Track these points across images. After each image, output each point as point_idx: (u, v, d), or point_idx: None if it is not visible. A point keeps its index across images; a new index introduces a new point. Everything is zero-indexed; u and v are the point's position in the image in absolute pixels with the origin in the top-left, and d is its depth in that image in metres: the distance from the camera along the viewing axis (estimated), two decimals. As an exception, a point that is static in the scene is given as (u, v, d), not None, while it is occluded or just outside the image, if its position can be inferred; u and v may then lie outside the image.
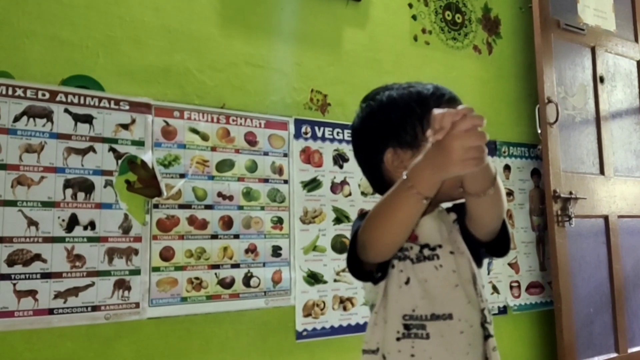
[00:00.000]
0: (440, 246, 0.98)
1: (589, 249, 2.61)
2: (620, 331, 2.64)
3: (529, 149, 2.73)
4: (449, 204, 1.06)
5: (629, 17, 3.06)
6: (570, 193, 2.51)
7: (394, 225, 0.88)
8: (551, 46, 2.60)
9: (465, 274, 0.98)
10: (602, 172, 2.73)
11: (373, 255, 0.93)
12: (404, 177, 0.84)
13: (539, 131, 2.54)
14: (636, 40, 3.06)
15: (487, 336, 0.97)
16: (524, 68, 2.76)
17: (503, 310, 2.52)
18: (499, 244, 1.00)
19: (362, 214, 1.04)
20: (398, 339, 0.94)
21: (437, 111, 0.77)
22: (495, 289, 2.50)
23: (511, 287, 2.57)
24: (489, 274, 2.49)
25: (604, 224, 2.69)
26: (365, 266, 0.97)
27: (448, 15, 2.56)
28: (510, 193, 2.64)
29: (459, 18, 2.60)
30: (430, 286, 0.95)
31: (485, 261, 2.49)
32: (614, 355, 2.60)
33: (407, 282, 0.96)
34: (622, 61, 2.98)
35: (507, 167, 2.65)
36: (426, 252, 0.97)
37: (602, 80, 2.81)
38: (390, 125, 1.01)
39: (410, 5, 2.44)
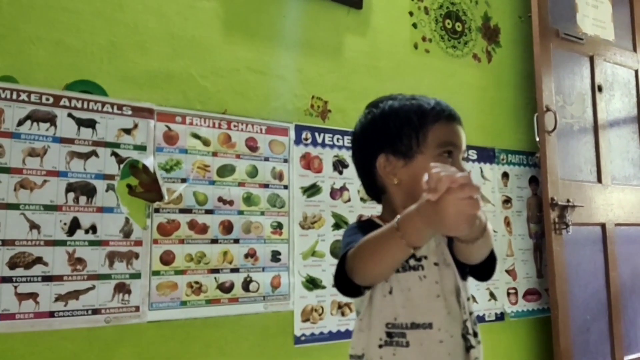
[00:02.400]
0: (425, 257, 1.00)
1: (586, 257, 2.63)
2: (617, 338, 2.65)
3: (527, 157, 2.75)
4: None
5: (628, 27, 3.09)
6: (568, 201, 2.52)
7: (381, 264, 0.90)
8: (550, 55, 2.62)
9: (449, 285, 1.00)
10: (599, 180, 2.75)
11: (360, 281, 0.95)
12: (395, 224, 0.84)
13: (537, 139, 2.56)
14: (634, 50, 3.09)
15: (468, 347, 0.98)
16: (523, 76, 2.79)
17: (500, 317, 2.54)
18: (483, 269, 1.02)
19: (357, 225, 1.06)
20: (380, 346, 0.97)
21: (434, 169, 0.77)
22: (492, 296, 2.52)
23: (508, 294, 2.58)
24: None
25: (601, 232, 2.70)
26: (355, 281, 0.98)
27: (448, 23, 2.59)
28: (508, 200, 2.65)
29: (459, 26, 2.62)
30: (413, 295, 0.97)
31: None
32: (610, 362, 2.62)
33: (390, 292, 0.98)
34: (620, 70, 3.00)
35: (505, 175, 2.67)
36: (412, 262, 0.99)
37: (600, 89, 2.83)
38: (387, 132, 1.05)
39: (411, 14, 2.47)
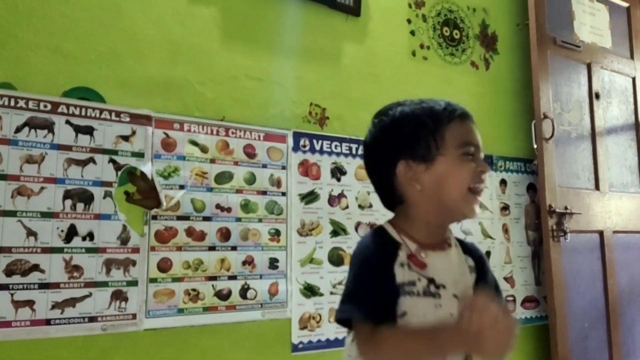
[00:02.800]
0: (444, 286, 0.99)
1: (584, 264, 2.63)
2: (615, 346, 2.65)
3: (525, 164, 2.75)
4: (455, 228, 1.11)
5: (625, 35, 3.10)
6: (566, 208, 2.53)
7: None
8: (547, 62, 2.63)
9: None
10: (597, 187, 2.75)
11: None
12: (437, 334, 0.89)
13: (535, 146, 2.56)
14: (632, 57, 3.10)
15: None
16: (520, 84, 2.79)
17: (498, 324, 2.53)
18: None
19: (373, 250, 1.01)
20: None
21: (478, 300, 0.85)
22: (490, 303, 2.51)
23: (507, 302, 2.57)
24: (484, 287, 2.50)
25: (599, 239, 2.70)
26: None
27: (446, 31, 2.59)
28: (506, 207, 2.66)
29: (456, 34, 2.63)
30: (428, 322, 0.96)
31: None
32: (609, 370, 2.61)
33: (403, 315, 0.96)
34: (617, 78, 3.01)
35: (503, 182, 2.67)
36: (432, 288, 0.98)
37: (597, 96, 2.84)
38: (403, 137, 1.02)
39: (409, 21, 2.47)
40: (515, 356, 2.53)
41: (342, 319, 0.98)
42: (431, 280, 0.98)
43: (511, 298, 2.60)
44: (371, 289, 0.95)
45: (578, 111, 2.77)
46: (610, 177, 2.83)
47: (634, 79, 3.07)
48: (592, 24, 2.92)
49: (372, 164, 1.11)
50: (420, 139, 1.01)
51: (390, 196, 1.07)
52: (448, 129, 1.01)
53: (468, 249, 1.10)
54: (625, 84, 3.04)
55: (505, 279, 2.60)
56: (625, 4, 3.12)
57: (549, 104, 2.59)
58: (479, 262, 1.10)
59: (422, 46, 2.49)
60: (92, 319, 1.61)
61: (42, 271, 1.57)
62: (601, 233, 2.71)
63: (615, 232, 2.76)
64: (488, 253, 2.54)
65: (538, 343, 2.63)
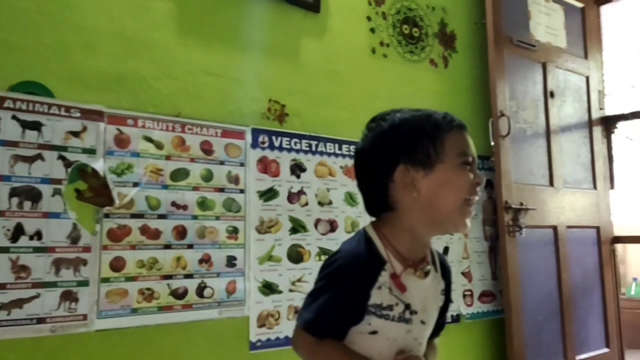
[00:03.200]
0: (416, 312, 1.03)
1: (539, 259, 2.70)
2: (569, 338, 2.72)
3: (482, 161, 2.80)
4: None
5: (580, 34, 3.19)
6: (521, 204, 2.58)
7: None
8: (504, 61, 2.68)
9: (424, 343, 1.07)
10: (551, 183, 2.82)
11: None
12: None
13: (492, 143, 2.61)
14: (586, 57, 3.18)
15: None
16: (478, 82, 2.84)
17: (456, 319, 2.57)
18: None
19: (354, 261, 1.01)
20: None
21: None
22: (448, 298, 2.55)
23: (464, 296, 2.62)
24: (442, 283, 2.54)
25: (553, 234, 2.78)
26: None
27: (405, 29, 2.61)
28: (464, 204, 2.69)
29: (416, 32, 2.65)
30: (397, 345, 1.00)
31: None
32: (562, 362, 2.69)
33: (374, 333, 1.00)
34: (572, 77, 3.09)
35: (461, 178, 2.70)
36: (407, 314, 1.02)
37: (552, 95, 2.91)
38: (402, 142, 1.02)
39: (369, 18, 2.48)
40: (472, 350, 2.59)
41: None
42: (407, 306, 1.01)
43: (468, 292, 2.64)
44: (334, 308, 0.99)
45: (533, 109, 2.83)
46: (564, 174, 2.90)
47: (587, 78, 3.16)
48: (547, 24, 2.99)
49: (367, 167, 1.07)
50: (420, 144, 1.00)
51: (381, 202, 1.05)
52: (448, 137, 1.01)
53: (443, 271, 1.13)
54: (579, 83, 3.13)
55: (463, 273, 2.64)
56: (580, 5, 3.20)
57: (505, 102, 2.64)
58: (448, 285, 1.14)
59: (381, 44, 2.51)
60: (40, 320, 1.56)
61: (-13, 272, 1.51)
62: (555, 228, 2.78)
63: (568, 227, 2.84)
64: (446, 249, 2.58)
65: (494, 336, 2.68)
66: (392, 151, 1.02)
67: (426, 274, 1.05)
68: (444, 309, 1.14)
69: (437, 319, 1.12)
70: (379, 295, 0.98)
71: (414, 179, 1.00)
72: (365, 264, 1.00)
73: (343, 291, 0.98)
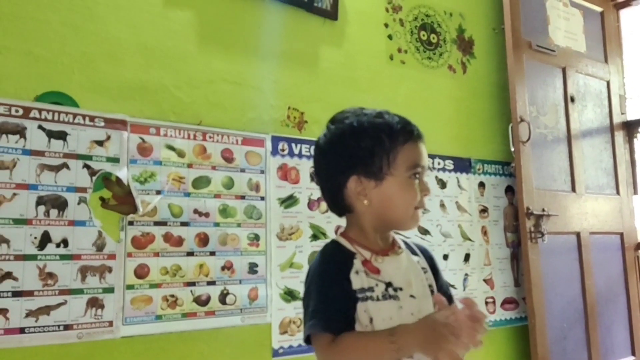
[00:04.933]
0: (401, 289, 1.04)
1: (562, 265, 2.66)
2: (593, 346, 2.67)
3: (503, 167, 2.78)
4: (405, 237, 1.16)
5: (599, 39, 3.16)
6: (543, 210, 2.55)
7: None
8: (523, 66, 2.67)
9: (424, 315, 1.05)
10: (573, 189, 2.78)
11: None
12: (391, 335, 0.93)
13: (512, 149, 2.59)
14: (606, 61, 3.15)
15: None
16: (497, 87, 2.82)
17: (479, 326, 2.54)
18: None
19: (326, 260, 1.06)
20: None
21: (470, 308, 0.94)
22: (470, 305, 2.52)
23: (486, 303, 2.59)
24: (464, 290, 2.52)
25: (576, 241, 2.74)
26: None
27: (423, 35, 2.61)
28: (485, 210, 2.68)
29: (434, 38, 2.65)
30: (394, 324, 0.99)
31: (461, 277, 2.52)
32: (588, 370, 2.64)
33: (371, 321, 1.00)
34: (592, 81, 3.06)
35: (481, 184, 2.69)
36: (391, 291, 1.03)
37: (572, 99, 2.88)
38: (358, 152, 1.05)
39: (386, 25, 2.49)
40: (496, 357, 2.56)
41: (308, 336, 1.02)
42: (389, 284, 1.03)
43: (491, 300, 2.61)
44: (328, 300, 0.99)
45: (554, 114, 2.81)
46: (586, 179, 2.86)
47: (608, 83, 3.13)
48: (566, 29, 2.97)
49: (323, 169, 1.11)
50: (375, 156, 1.04)
51: (339, 203, 1.09)
52: (402, 149, 1.05)
53: (415, 251, 1.14)
54: (599, 88, 3.09)
55: (485, 280, 2.61)
56: (599, 9, 3.17)
57: (525, 108, 2.62)
58: (431, 262, 1.15)
59: (399, 50, 2.51)
60: (67, 327, 1.58)
61: (15, 279, 1.53)
62: (578, 234, 2.74)
63: (591, 233, 2.80)
64: (467, 255, 2.56)
65: (518, 344, 2.65)
66: (349, 160, 1.05)
67: (399, 248, 1.11)
68: (440, 288, 1.14)
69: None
70: (358, 280, 1.01)
71: (366, 188, 1.05)
72: (338, 256, 1.05)
73: (329, 281, 1.01)
